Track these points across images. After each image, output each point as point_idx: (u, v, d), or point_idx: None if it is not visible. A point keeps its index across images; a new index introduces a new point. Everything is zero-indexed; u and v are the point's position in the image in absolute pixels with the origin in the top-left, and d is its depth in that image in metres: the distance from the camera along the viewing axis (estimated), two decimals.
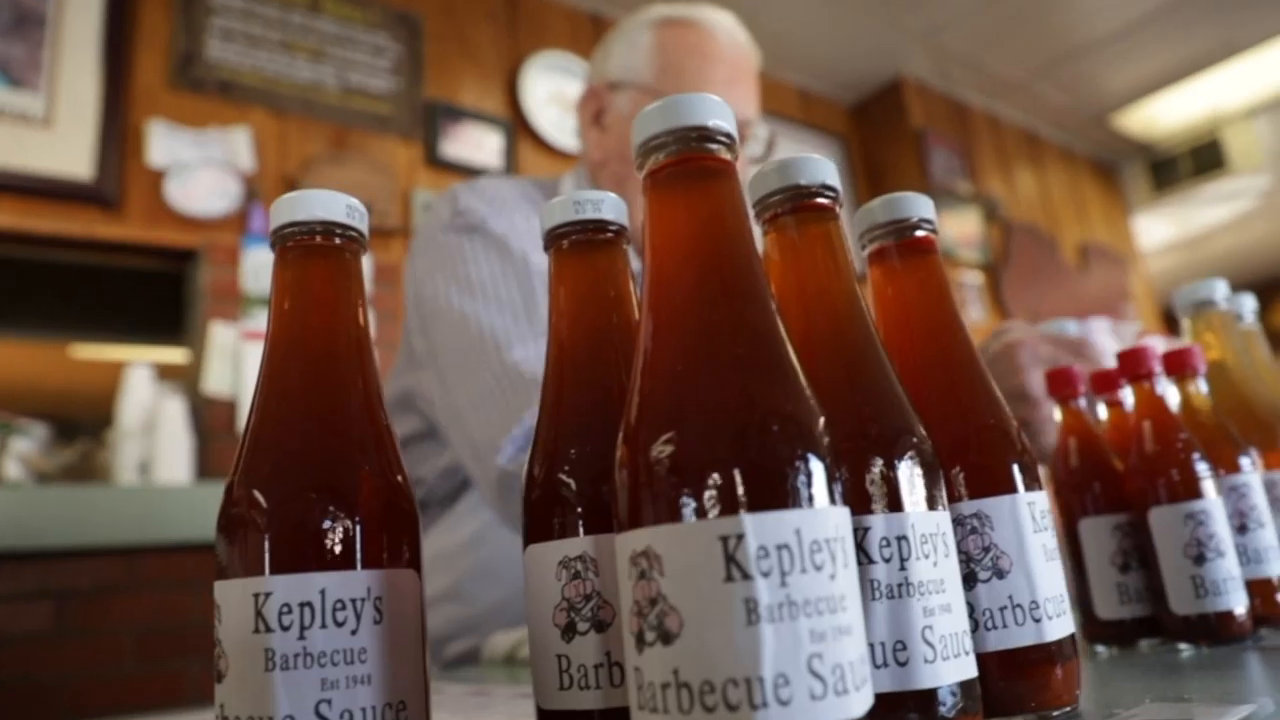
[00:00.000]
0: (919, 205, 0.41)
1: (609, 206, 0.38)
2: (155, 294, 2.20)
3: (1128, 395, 0.59)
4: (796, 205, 0.36)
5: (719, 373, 0.28)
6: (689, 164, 0.31)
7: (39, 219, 1.83)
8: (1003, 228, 3.69)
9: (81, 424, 2.36)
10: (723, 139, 0.31)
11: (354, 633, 0.32)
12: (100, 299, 2.34)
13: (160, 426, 1.81)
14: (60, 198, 1.86)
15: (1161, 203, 4.57)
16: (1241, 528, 0.55)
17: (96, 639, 1.56)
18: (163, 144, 2.00)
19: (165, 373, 2.00)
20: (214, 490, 1.68)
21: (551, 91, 2.68)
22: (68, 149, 1.89)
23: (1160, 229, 4.99)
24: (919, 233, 0.41)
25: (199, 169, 2.01)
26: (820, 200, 0.36)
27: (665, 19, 1.04)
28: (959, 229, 3.47)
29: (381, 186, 2.28)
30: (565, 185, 1.09)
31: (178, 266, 2.07)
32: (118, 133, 1.95)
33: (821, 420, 0.28)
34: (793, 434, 0.27)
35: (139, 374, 1.89)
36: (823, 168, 0.36)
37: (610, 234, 0.38)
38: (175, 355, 2.25)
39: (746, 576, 0.25)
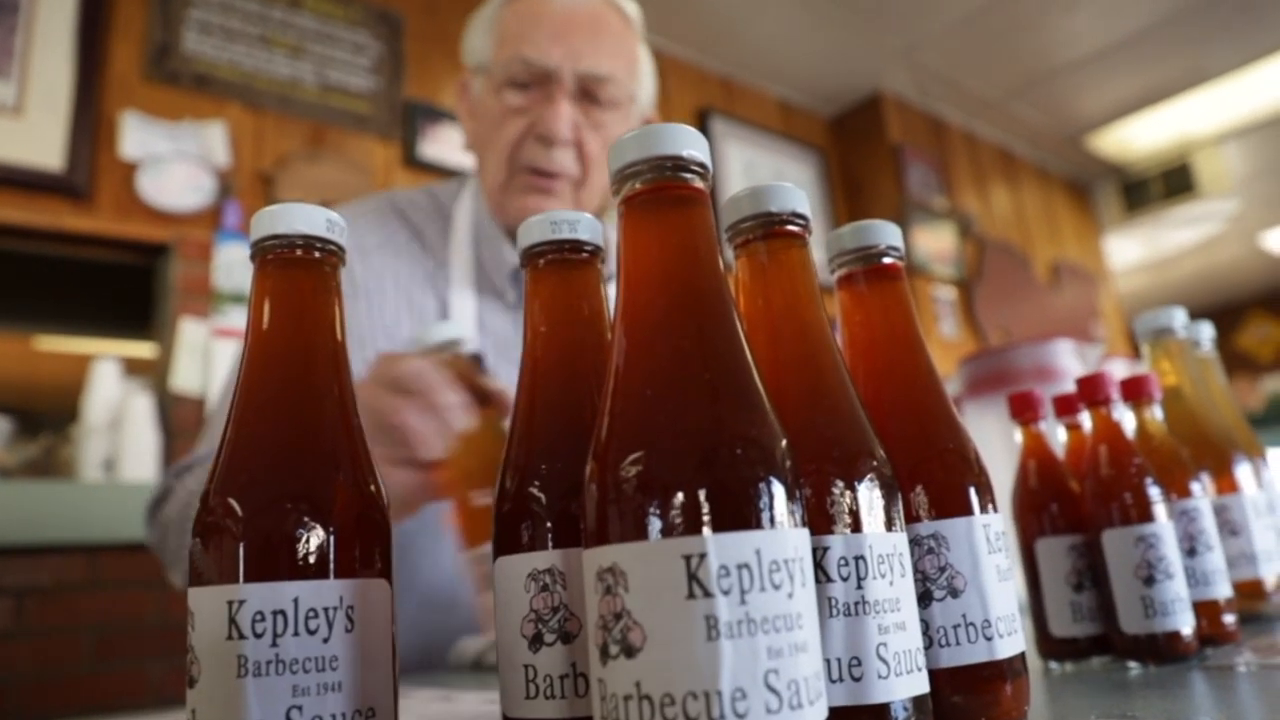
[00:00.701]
0: (887, 233, 0.42)
1: (584, 227, 0.38)
2: (124, 288, 2.17)
3: (1086, 419, 0.61)
4: (767, 232, 0.38)
5: (687, 397, 0.29)
6: (662, 192, 0.32)
7: (6, 209, 1.81)
8: (977, 244, 3.75)
9: (46, 418, 2.33)
10: (696, 168, 0.32)
11: (326, 641, 0.32)
12: (68, 291, 2.31)
13: (127, 422, 1.79)
14: (29, 187, 1.84)
15: (1132, 224, 4.66)
16: (1191, 551, 0.57)
17: (56, 637, 1.54)
18: (136, 136, 1.98)
19: (133, 368, 1.97)
20: None
21: None
22: (38, 138, 1.86)
23: (1131, 249, 5.09)
24: (886, 260, 0.42)
25: (172, 162, 1.99)
26: (790, 228, 0.37)
27: None
28: (934, 244, 3.51)
29: (358, 186, 2.26)
30: (468, 189, 1.08)
31: (148, 260, 2.04)
32: (90, 123, 1.93)
33: (784, 443, 0.29)
34: (756, 457, 0.28)
35: (106, 368, 1.87)
36: (793, 196, 0.37)
37: (585, 254, 0.39)
38: (143, 350, 2.22)
39: (708, 594, 0.26)
